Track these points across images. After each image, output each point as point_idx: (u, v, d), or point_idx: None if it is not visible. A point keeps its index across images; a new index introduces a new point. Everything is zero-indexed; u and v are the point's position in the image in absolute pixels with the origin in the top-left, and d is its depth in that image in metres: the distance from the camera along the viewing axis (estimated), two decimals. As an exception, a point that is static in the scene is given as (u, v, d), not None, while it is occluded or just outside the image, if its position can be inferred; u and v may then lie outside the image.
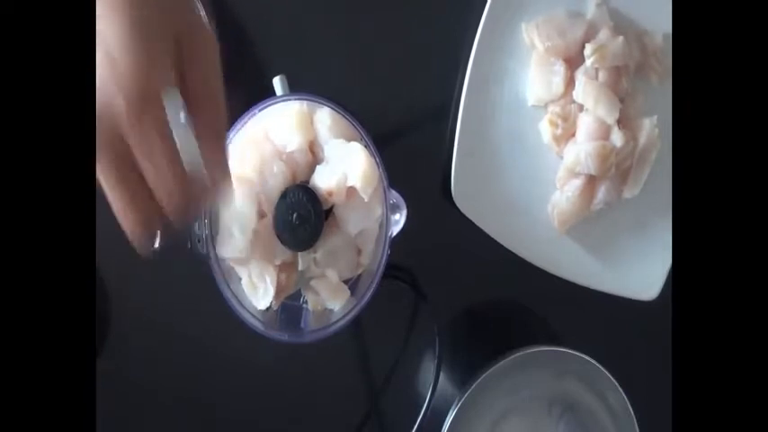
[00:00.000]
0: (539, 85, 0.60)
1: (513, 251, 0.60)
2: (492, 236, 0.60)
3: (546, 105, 0.61)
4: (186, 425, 0.62)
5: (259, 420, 0.62)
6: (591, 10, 0.61)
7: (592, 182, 0.60)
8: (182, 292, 0.60)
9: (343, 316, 0.49)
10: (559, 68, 0.59)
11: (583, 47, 0.59)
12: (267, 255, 0.49)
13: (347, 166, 0.49)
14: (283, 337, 0.49)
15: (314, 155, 0.51)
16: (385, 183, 0.50)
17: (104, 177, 0.38)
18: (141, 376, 0.61)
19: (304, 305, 0.52)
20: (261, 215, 0.49)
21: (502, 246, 0.60)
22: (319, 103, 0.49)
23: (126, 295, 0.61)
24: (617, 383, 0.59)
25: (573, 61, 0.60)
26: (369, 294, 0.50)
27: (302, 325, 0.52)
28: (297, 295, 0.53)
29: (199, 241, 0.48)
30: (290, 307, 0.52)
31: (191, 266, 0.51)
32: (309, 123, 0.50)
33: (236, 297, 0.50)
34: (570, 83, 0.60)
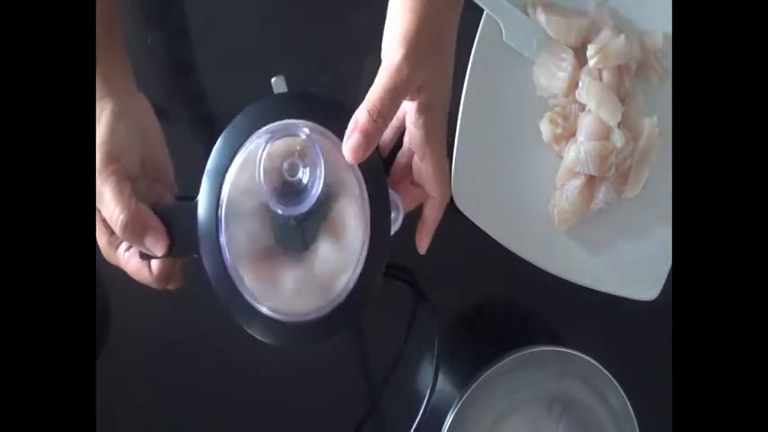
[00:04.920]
0: (545, 76, 0.60)
1: (513, 251, 0.60)
2: (492, 236, 0.60)
3: (548, 100, 0.61)
4: (186, 424, 0.62)
5: (259, 419, 0.62)
6: (591, 10, 0.61)
7: (592, 182, 0.60)
8: (182, 292, 0.60)
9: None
10: (567, 65, 0.59)
11: (585, 42, 0.59)
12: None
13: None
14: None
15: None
16: (385, 182, 0.50)
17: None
18: (141, 376, 0.61)
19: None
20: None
21: (502, 246, 0.60)
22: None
23: (126, 295, 0.60)
24: (617, 383, 0.59)
25: (579, 59, 0.60)
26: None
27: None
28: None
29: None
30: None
31: (191, 266, 0.51)
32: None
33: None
34: (574, 82, 0.60)
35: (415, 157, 0.50)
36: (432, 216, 0.52)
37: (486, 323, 0.65)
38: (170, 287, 0.49)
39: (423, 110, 0.48)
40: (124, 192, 0.45)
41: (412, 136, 0.49)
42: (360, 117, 0.45)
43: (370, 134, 0.45)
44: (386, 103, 0.45)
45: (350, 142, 0.45)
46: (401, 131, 0.52)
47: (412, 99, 0.47)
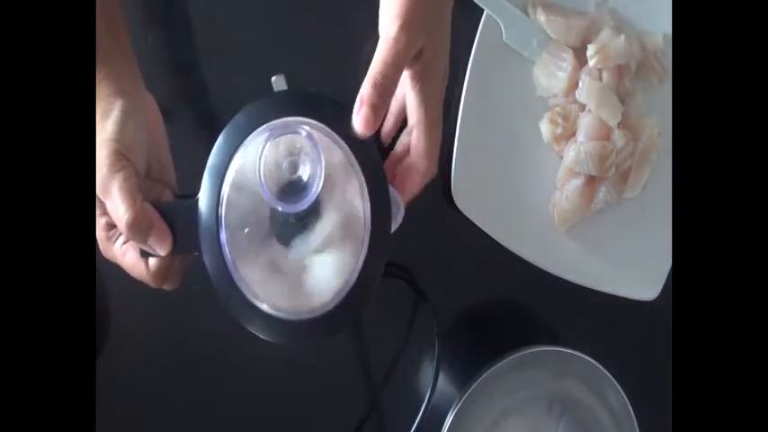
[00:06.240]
0: (545, 76, 0.60)
1: (513, 251, 0.60)
2: (492, 236, 0.60)
3: (548, 100, 0.61)
4: (186, 424, 0.62)
5: (259, 419, 0.62)
6: (591, 10, 0.61)
7: (592, 182, 0.60)
8: (182, 292, 0.60)
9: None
10: (567, 65, 0.59)
11: (585, 42, 0.60)
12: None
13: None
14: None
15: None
16: (385, 180, 0.50)
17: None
18: (141, 376, 0.61)
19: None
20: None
21: (502, 246, 0.60)
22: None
23: (126, 295, 0.60)
24: (617, 383, 0.59)
25: (579, 59, 0.60)
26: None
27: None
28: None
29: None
30: None
31: (191, 265, 0.51)
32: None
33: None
34: (574, 82, 0.60)
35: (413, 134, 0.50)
36: (411, 189, 0.50)
37: (486, 323, 0.65)
38: (166, 287, 0.49)
39: (419, 77, 0.48)
40: (131, 189, 0.45)
41: (408, 105, 0.50)
42: (365, 92, 0.46)
43: (376, 106, 0.46)
44: (387, 74, 0.46)
45: (360, 116, 0.46)
46: (402, 117, 0.52)
47: (409, 67, 0.48)
